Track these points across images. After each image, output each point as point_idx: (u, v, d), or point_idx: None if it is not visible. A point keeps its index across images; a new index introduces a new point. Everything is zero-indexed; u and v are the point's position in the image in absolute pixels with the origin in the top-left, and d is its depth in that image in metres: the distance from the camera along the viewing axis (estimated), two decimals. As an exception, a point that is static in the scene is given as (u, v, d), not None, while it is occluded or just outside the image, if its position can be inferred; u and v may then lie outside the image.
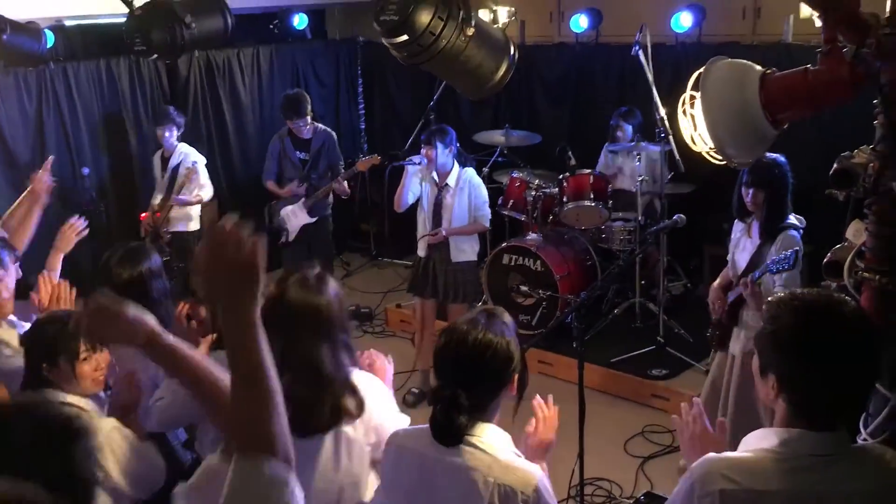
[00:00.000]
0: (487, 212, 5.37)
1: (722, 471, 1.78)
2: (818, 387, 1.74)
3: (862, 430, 2.27)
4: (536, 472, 2.13)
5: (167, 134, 6.13)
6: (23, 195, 3.80)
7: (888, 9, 2.01)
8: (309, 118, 6.25)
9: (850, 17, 1.95)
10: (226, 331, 1.48)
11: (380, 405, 2.48)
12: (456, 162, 5.29)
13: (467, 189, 5.26)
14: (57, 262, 3.63)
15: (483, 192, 5.34)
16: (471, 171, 5.37)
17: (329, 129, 6.44)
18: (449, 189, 5.26)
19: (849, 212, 2.23)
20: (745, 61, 2.16)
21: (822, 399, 1.75)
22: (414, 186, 5.34)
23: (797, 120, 2.11)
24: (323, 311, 2.37)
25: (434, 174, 5.28)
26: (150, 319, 1.78)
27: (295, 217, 6.35)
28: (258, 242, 1.47)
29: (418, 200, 5.40)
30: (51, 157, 4.03)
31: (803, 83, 1.99)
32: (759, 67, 2.10)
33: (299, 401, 2.13)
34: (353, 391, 2.37)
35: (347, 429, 2.40)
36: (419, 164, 5.26)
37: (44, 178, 3.79)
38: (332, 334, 2.39)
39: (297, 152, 6.33)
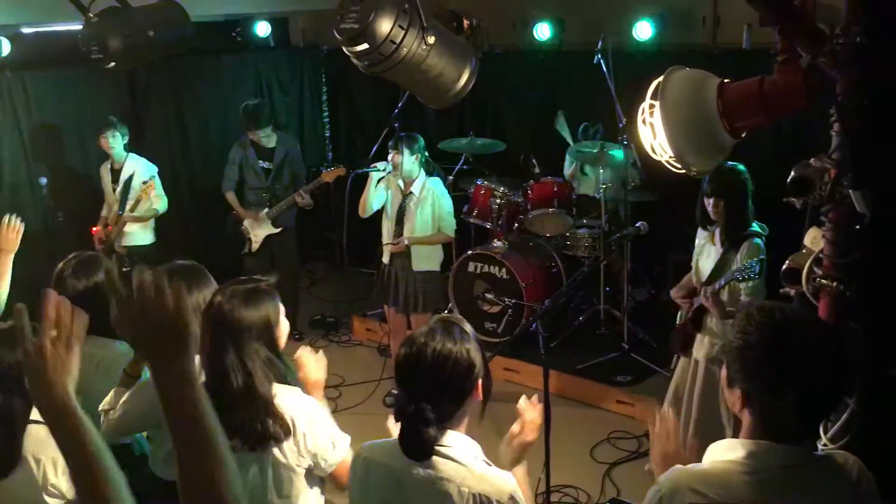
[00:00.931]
0: (452, 222, 5.34)
1: (691, 484, 1.78)
2: (783, 405, 1.73)
3: (822, 435, 2.30)
4: (510, 480, 2.12)
5: (110, 141, 5.89)
6: None
7: (843, 19, 2.04)
8: (269, 128, 6.20)
9: (805, 28, 1.98)
10: (159, 391, 1.38)
11: (314, 429, 2.48)
12: (423, 171, 5.26)
13: (431, 198, 5.23)
14: (5, 264, 3.52)
15: (447, 202, 5.31)
16: (437, 181, 5.35)
17: (292, 139, 6.39)
18: (413, 197, 5.23)
19: (806, 219, 2.25)
20: (702, 70, 2.18)
21: (787, 416, 1.74)
22: (379, 192, 5.31)
23: (755, 128, 2.12)
24: (242, 325, 2.42)
25: (399, 181, 5.25)
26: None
27: (259, 227, 6.29)
28: (181, 293, 1.38)
29: (383, 207, 5.38)
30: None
31: (759, 92, 2.01)
32: (716, 77, 2.12)
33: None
34: (274, 414, 2.39)
35: (275, 451, 2.43)
36: (384, 170, 5.23)
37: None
38: (248, 350, 2.42)
39: (261, 161, 6.27)
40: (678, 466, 1.87)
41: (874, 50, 1.97)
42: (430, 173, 5.39)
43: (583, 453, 4.92)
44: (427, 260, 5.33)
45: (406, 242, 5.25)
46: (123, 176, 5.97)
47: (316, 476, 2.55)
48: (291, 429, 2.43)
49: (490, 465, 2.18)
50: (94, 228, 6.05)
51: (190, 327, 1.39)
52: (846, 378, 1.83)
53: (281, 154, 6.28)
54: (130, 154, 6.07)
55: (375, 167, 5.27)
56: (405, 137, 5.21)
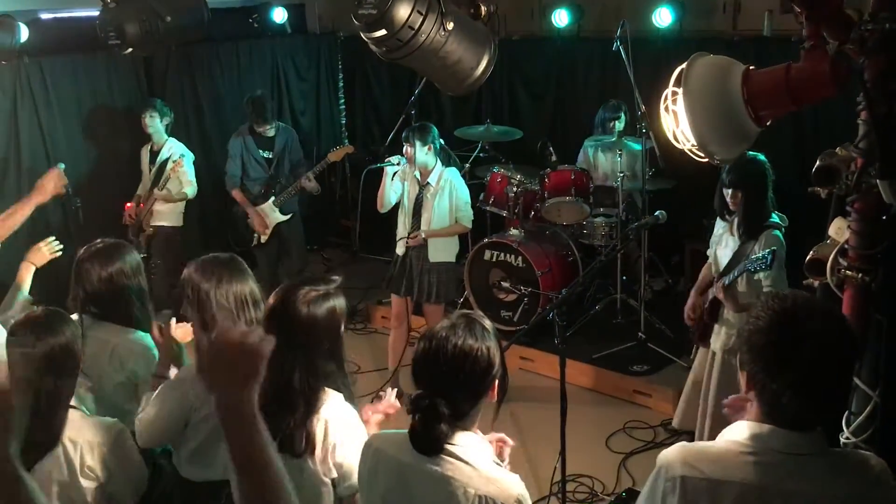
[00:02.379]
0: (469, 212, 5.27)
1: (686, 459, 1.81)
2: (785, 391, 1.72)
3: (844, 428, 2.27)
4: (517, 482, 2.09)
5: (148, 120, 6.06)
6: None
7: (871, 5, 2.00)
8: (274, 119, 6.23)
9: (833, 14, 1.94)
10: (224, 423, 1.44)
11: (348, 443, 2.45)
12: (439, 160, 5.20)
13: (448, 189, 5.17)
14: (27, 273, 3.54)
15: (465, 192, 5.24)
16: (454, 171, 5.29)
17: (290, 127, 6.42)
18: (430, 188, 5.18)
19: (831, 209, 2.21)
20: (727, 57, 2.14)
21: (789, 402, 1.73)
22: (396, 186, 5.27)
23: (780, 116, 2.09)
24: (315, 327, 2.40)
25: (416, 172, 5.21)
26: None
27: (267, 216, 6.29)
28: (266, 338, 1.45)
29: (399, 199, 5.35)
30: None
31: (786, 79, 1.97)
32: (741, 64, 2.08)
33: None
34: (315, 419, 2.38)
35: (309, 460, 2.40)
36: (398, 164, 5.18)
37: (57, 180, 3.69)
38: (317, 352, 2.40)
39: (262, 151, 6.28)
40: (682, 443, 1.88)
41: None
42: (446, 163, 5.33)
43: (598, 443, 4.90)
44: (444, 251, 5.28)
45: (423, 236, 5.19)
46: (161, 157, 6.11)
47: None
48: (324, 445, 2.41)
49: (500, 465, 2.17)
50: (128, 204, 6.21)
51: (262, 367, 1.44)
52: (852, 367, 1.81)
53: (281, 143, 6.29)
54: (171, 138, 6.21)
55: (389, 161, 5.23)
56: (417, 128, 5.15)
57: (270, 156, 6.30)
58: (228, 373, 1.42)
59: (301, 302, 2.40)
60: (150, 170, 6.18)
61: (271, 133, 6.26)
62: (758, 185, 3.88)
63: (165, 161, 6.07)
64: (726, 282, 3.90)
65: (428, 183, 5.18)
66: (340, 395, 2.48)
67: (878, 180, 1.97)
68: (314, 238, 7.39)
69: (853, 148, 2.04)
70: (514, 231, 6.09)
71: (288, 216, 6.32)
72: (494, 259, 6.04)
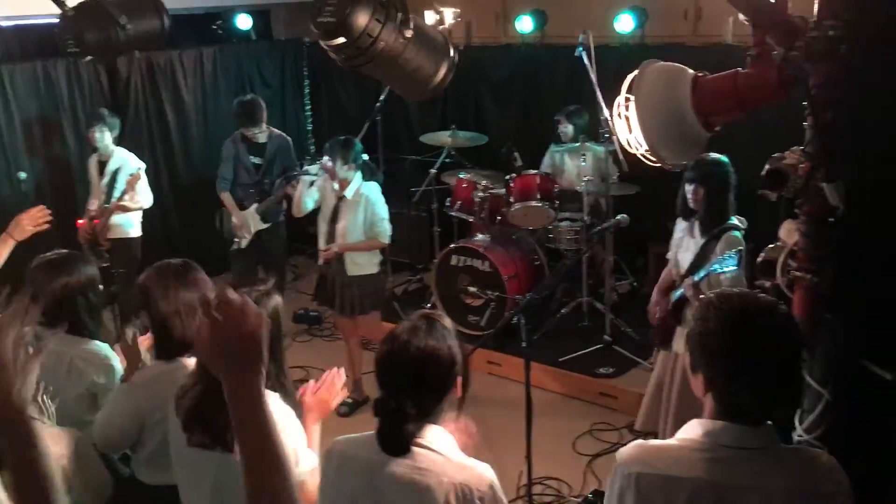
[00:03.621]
0: (386, 228, 5.17)
1: (642, 456, 1.86)
2: (740, 388, 1.78)
3: (797, 426, 2.32)
4: (488, 469, 2.13)
5: (98, 135, 5.91)
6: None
7: (816, 12, 2.05)
8: (264, 125, 6.16)
9: (778, 21, 1.99)
10: (231, 406, 1.43)
11: (290, 437, 2.44)
12: (359, 175, 5.13)
13: (363, 204, 5.09)
14: (5, 248, 3.41)
15: (381, 208, 5.15)
16: (372, 186, 5.19)
17: (284, 134, 6.35)
18: (346, 200, 5.12)
19: (781, 212, 2.27)
20: (677, 65, 2.18)
21: (745, 399, 1.79)
22: (313, 193, 5.26)
23: (729, 122, 2.13)
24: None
25: (335, 183, 5.15)
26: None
27: (248, 224, 6.25)
28: (262, 316, 1.43)
29: (320, 207, 5.32)
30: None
31: (733, 86, 2.02)
32: (690, 71, 2.12)
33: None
34: None
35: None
36: (315, 174, 5.18)
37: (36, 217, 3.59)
38: None
39: (251, 157, 6.22)
40: (639, 441, 1.92)
41: (847, 43, 1.98)
42: (368, 178, 5.26)
43: (565, 445, 4.93)
44: (362, 265, 5.22)
45: (335, 250, 5.16)
46: (110, 168, 5.96)
47: None
48: None
49: (468, 457, 2.19)
50: (80, 221, 6.03)
51: (265, 347, 1.43)
52: (800, 360, 1.86)
53: (272, 149, 6.22)
54: (118, 148, 6.06)
55: (307, 171, 5.22)
56: (340, 144, 5.08)
57: (261, 162, 6.23)
58: (228, 358, 1.41)
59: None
60: (100, 182, 6.02)
61: (263, 139, 6.19)
62: (720, 183, 3.94)
63: (116, 172, 5.92)
64: (695, 279, 3.94)
65: (344, 196, 5.13)
66: (276, 395, 2.48)
67: (823, 183, 2.02)
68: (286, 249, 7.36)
69: (801, 152, 2.09)
70: (480, 236, 6.12)
71: (268, 224, 6.27)
72: (461, 264, 6.06)
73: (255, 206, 6.18)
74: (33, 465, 1.48)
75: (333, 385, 2.66)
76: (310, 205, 5.30)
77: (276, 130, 6.32)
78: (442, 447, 2.12)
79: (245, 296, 1.43)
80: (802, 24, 2.03)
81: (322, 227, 5.29)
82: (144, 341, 2.98)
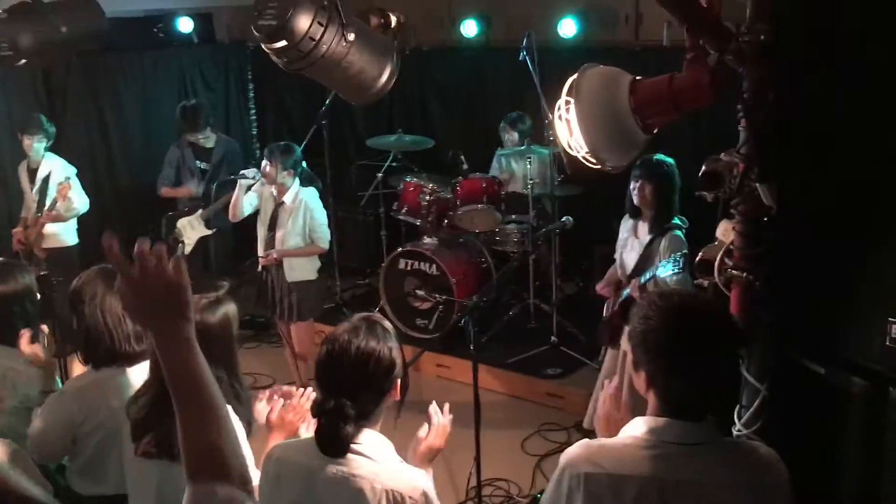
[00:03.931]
0: (325, 233, 5.16)
1: (589, 456, 1.88)
2: (682, 384, 1.83)
3: (736, 421, 2.38)
4: (422, 477, 2.14)
5: (36, 144, 5.74)
6: None
7: (748, 17, 2.11)
8: (209, 130, 6.07)
9: (711, 26, 2.03)
10: (161, 354, 1.43)
11: None
12: (297, 181, 5.11)
13: (302, 209, 5.06)
14: None
15: (320, 214, 5.12)
16: (311, 191, 5.16)
17: (232, 139, 6.27)
18: (284, 207, 5.09)
19: (718, 212, 2.32)
20: (616, 68, 2.22)
21: (686, 395, 1.84)
22: (251, 198, 5.23)
23: (666, 124, 2.18)
24: (205, 333, 2.35)
25: (273, 188, 5.12)
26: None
27: (192, 229, 6.15)
28: (180, 261, 1.44)
29: (258, 212, 5.28)
30: None
31: (668, 88, 2.07)
32: (629, 74, 2.16)
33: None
34: None
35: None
36: (252, 178, 5.16)
37: None
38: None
39: (198, 162, 6.13)
40: (585, 441, 1.95)
41: (778, 47, 2.04)
42: (307, 184, 5.23)
43: (513, 446, 4.97)
44: (301, 270, 5.18)
45: (275, 256, 5.13)
46: (40, 176, 5.78)
47: None
48: None
49: (403, 462, 2.19)
50: (15, 230, 5.86)
51: (189, 292, 1.44)
52: (737, 355, 1.93)
53: (219, 154, 6.13)
54: (48, 153, 5.87)
55: (244, 174, 5.19)
56: (279, 149, 5.05)
57: (207, 167, 6.12)
58: (154, 308, 1.42)
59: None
60: (32, 189, 5.83)
61: (210, 143, 6.09)
62: (666, 181, 4.02)
63: (46, 179, 5.74)
64: (641, 280, 4.00)
65: (283, 202, 5.10)
66: (228, 408, 2.45)
67: (757, 184, 2.07)
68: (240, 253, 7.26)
69: (735, 153, 2.15)
70: (427, 239, 6.13)
71: (212, 231, 6.16)
72: (409, 268, 6.06)
73: (199, 211, 6.09)
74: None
75: (301, 407, 2.54)
76: (247, 209, 5.25)
77: (224, 136, 6.25)
78: (376, 452, 2.12)
79: (161, 248, 1.44)
80: (735, 28, 2.08)
81: (261, 233, 5.25)
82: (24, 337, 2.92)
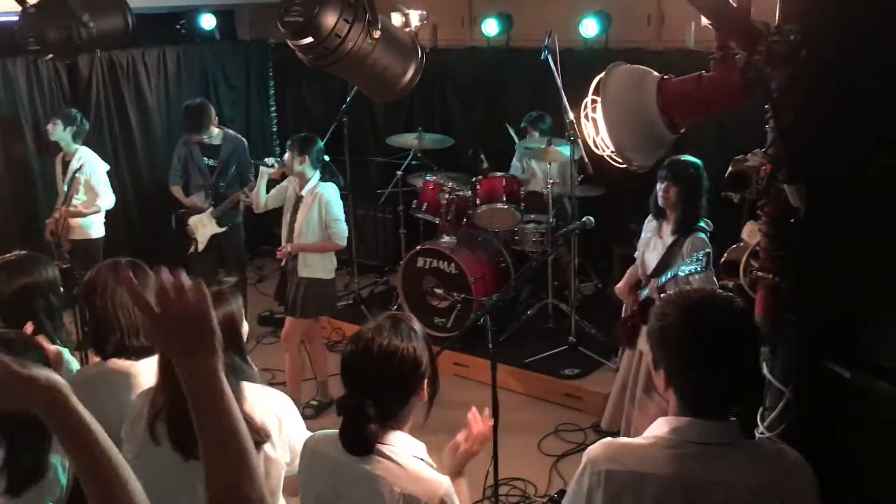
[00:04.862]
0: (341, 229, 5.13)
1: (611, 454, 1.87)
2: (700, 381, 1.82)
3: (760, 424, 2.36)
4: (444, 483, 2.10)
5: (59, 133, 5.85)
6: None
7: (777, 17, 2.09)
8: (214, 129, 6.09)
9: (741, 26, 2.02)
10: (189, 392, 1.37)
11: (295, 424, 2.46)
12: (317, 174, 5.13)
13: (317, 203, 5.06)
14: None
15: (336, 209, 5.11)
16: (329, 186, 5.16)
17: (240, 136, 6.29)
18: (303, 200, 5.12)
19: (744, 213, 2.30)
20: (643, 67, 2.21)
21: (704, 392, 1.83)
22: (278, 191, 5.28)
23: (693, 124, 2.17)
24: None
25: (295, 182, 5.16)
26: (51, 373, 1.45)
27: (203, 227, 6.18)
28: (202, 289, 1.37)
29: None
30: None
31: (697, 88, 2.05)
32: (656, 73, 2.15)
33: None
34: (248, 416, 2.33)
35: (267, 447, 2.36)
36: (271, 165, 5.18)
37: None
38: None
39: (205, 158, 6.15)
40: (608, 439, 1.94)
41: (807, 47, 2.02)
42: (326, 179, 5.25)
43: (531, 446, 4.96)
44: (313, 267, 5.17)
45: (288, 249, 5.15)
46: (72, 167, 5.90)
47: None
48: (278, 425, 2.39)
49: (431, 466, 2.17)
50: (48, 220, 6.00)
51: (214, 322, 1.37)
52: (758, 352, 1.93)
53: (227, 151, 6.15)
54: (82, 147, 5.99)
55: (264, 161, 5.22)
56: (299, 140, 5.09)
57: (215, 164, 6.16)
58: (179, 342, 1.36)
59: None
60: (63, 180, 5.97)
61: (217, 141, 6.12)
62: (693, 184, 3.99)
63: (76, 171, 5.87)
64: (661, 282, 3.99)
65: (302, 195, 5.14)
66: (263, 386, 2.47)
67: (785, 185, 2.06)
68: (247, 246, 7.30)
69: (762, 154, 2.13)
70: (446, 238, 6.13)
71: (223, 229, 6.20)
72: (427, 266, 6.07)
73: (210, 209, 6.12)
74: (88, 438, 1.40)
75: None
76: (269, 202, 5.30)
77: (231, 132, 6.27)
78: (400, 455, 2.10)
79: (180, 276, 1.37)
80: (764, 28, 2.06)
81: (284, 226, 5.28)
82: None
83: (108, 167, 6.05)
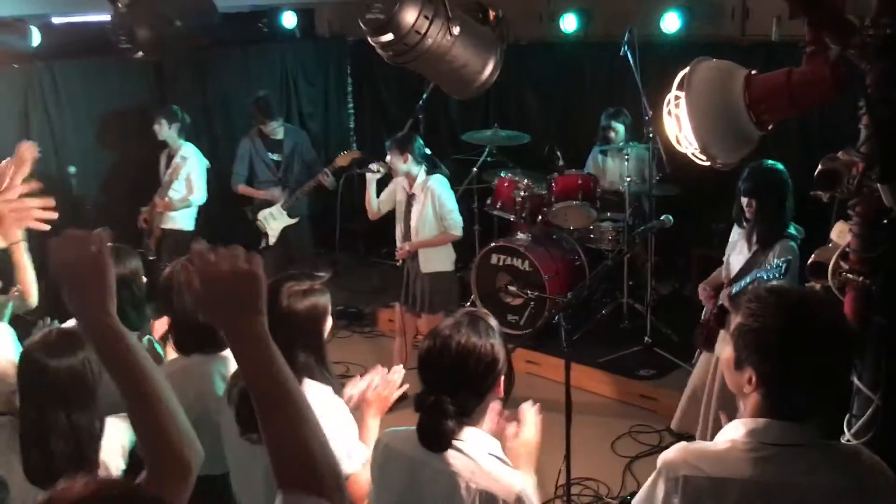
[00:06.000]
0: (456, 219, 5.16)
1: (688, 458, 1.83)
2: (795, 385, 1.76)
3: (846, 431, 2.29)
4: (520, 481, 2.10)
5: (165, 131, 6.13)
6: (5, 161, 3.49)
7: (873, 11, 2.01)
8: (281, 119, 6.25)
9: (834, 20, 1.96)
10: (236, 355, 1.38)
11: (333, 432, 2.38)
12: (423, 169, 5.16)
13: (430, 197, 5.10)
14: (19, 257, 3.17)
15: (449, 200, 5.14)
16: (438, 179, 5.20)
17: (299, 129, 6.44)
18: (416, 197, 5.16)
19: (833, 213, 2.23)
20: (729, 62, 2.16)
21: (797, 396, 1.77)
22: (381, 194, 5.32)
23: (781, 120, 2.10)
24: (294, 319, 2.42)
25: (404, 182, 5.21)
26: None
27: (274, 220, 6.31)
28: (255, 255, 1.39)
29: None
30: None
31: (787, 84, 1.99)
32: (743, 68, 2.10)
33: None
34: None
35: None
36: (377, 171, 5.22)
37: (31, 148, 3.59)
38: (288, 346, 2.41)
39: (270, 153, 6.30)
40: (683, 443, 1.90)
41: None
42: (431, 171, 5.27)
43: (604, 446, 4.91)
44: (435, 261, 5.22)
45: (406, 248, 5.20)
46: (175, 162, 6.17)
47: None
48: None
49: (506, 463, 2.17)
50: (144, 209, 6.28)
51: (262, 285, 1.38)
52: (852, 356, 1.87)
53: (290, 145, 6.30)
54: (186, 143, 6.26)
55: (369, 168, 5.26)
56: (396, 140, 5.13)
57: (280, 158, 6.31)
58: (227, 302, 1.36)
59: (283, 296, 2.43)
60: (165, 174, 6.24)
61: (279, 135, 6.27)
62: (774, 194, 3.85)
63: (178, 166, 6.14)
64: (734, 290, 3.89)
65: (413, 193, 5.17)
66: (319, 384, 2.47)
67: (878, 184, 1.98)
68: (323, 242, 7.41)
69: (855, 152, 2.06)
70: (521, 235, 6.11)
71: (295, 219, 6.34)
72: (501, 263, 6.06)
73: (282, 201, 6.24)
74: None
75: (392, 381, 2.68)
76: (381, 207, 5.36)
77: (290, 125, 6.42)
78: (476, 451, 2.10)
79: (238, 247, 1.40)
80: (859, 22, 1.99)
81: (398, 227, 5.34)
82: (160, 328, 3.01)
83: (208, 164, 6.28)
